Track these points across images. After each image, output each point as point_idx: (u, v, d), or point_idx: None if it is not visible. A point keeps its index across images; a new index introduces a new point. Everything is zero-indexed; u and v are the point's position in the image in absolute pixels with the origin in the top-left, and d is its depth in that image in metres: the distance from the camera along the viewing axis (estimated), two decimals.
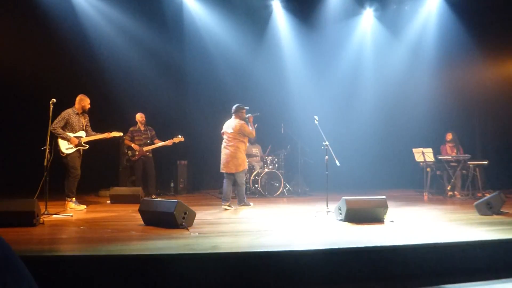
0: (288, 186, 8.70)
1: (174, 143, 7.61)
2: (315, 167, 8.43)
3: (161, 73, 9.33)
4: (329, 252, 3.20)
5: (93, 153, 6.44)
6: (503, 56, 9.86)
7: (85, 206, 6.14)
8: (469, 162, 7.91)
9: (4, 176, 8.03)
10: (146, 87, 9.36)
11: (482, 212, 5.25)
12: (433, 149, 8.11)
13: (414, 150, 8.27)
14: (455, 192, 7.98)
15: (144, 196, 6.73)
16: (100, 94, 7.93)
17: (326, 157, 5.73)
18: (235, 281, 3.00)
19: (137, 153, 7.50)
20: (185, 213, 4.26)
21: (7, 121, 8.29)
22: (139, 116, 7.69)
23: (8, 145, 8.29)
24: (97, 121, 6.66)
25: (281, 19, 10.17)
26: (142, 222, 4.53)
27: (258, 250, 3.21)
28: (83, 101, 6.17)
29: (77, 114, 6.13)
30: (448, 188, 7.97)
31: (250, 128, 6.45)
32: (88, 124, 6.29)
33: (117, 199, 6.84)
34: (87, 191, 7.77)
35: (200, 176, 10.08)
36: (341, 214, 4.78)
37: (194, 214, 4.45)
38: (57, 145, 5.85)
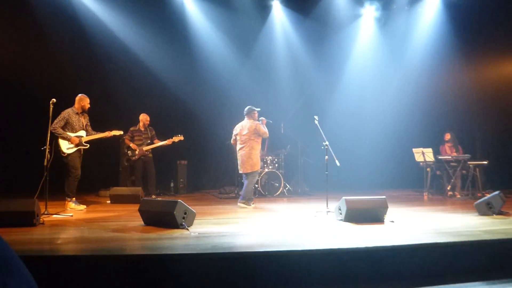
0: (288, 186, 8.70)
1: (174, 142, 7.61)
2: (315, 167, 8.45)
3: (161, 73, 9.32)
4: (329, 252, 3.20)
5: (93, 153, 6.44)
6: (502, 56, 9.86)
7: (85, 206, 6.14)
8: (469, 162, 7.91)
9: (4, 176, 8.03)
10: (146, 87, 9.36)
11: (482, 212, 5.25)
12: (433, 149, 8.11)
13: (414, 150, 8.28)
14: (455, 192, 7.98)
15: (144, 196, 6.73)
16: (100, 94, 7.92)
17: (326, 157, 5.73)
18: (235, 281, 3.00)
19: (136, 153, 7.49)
20: (185, 213, 4.26)
21: (7, 121, 8.29)
22: (143, 117, 7.66)
23: (8, 145, 8.29)
24: (97, 121, 6.66)
25: (281, 19, 10.17)
26: (142, 222, 4.53)
27: (258, 250, 3.21)
28: (82, 101, 6.17)
29: (77, 113, 6.12)
30: (448, 188, 7.97)
31: (264, 129, 6.56)
32: (88, 124, 6.29)
33: (117, 199, 6.84)
34: (87, 191, 7.77)
35: (200, 176, 10.08)
36: (341, 214, 4.78)
37: (194, 214, 4.45)
38: (57, 145, 5.84)
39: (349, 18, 10.18)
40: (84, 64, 8.76)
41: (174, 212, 4.13)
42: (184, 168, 9.14)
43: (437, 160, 8.10)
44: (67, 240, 3.87)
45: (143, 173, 7.56)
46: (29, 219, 4.30)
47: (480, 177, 8.08)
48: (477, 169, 8.00)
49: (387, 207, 4.73)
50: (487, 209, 5.21)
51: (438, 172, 8.35)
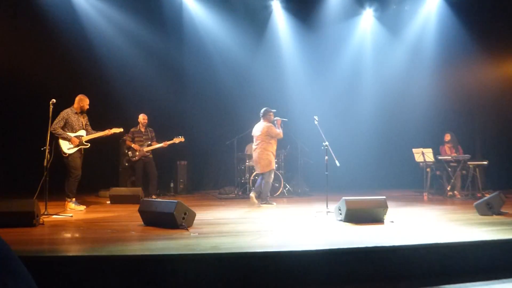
0: (288, 186, 8.70)
1: (174, 143, 7.62)
2: (315, 167, 8.44)
3: (161, 73, 9.33)
4: (329, 252, 3.20)
5: (93, 153, 6.44)
6: (503, 56, 9.86)
7: (85, 207, 6.14)
8: (469, 162, 7.91)
9: (4, 176, 8.03)
10: (146, 87, 9.36)
11: (482, 212, 5.25)
12: (432, 149, 8.11)
13: (414, 150, 8.27)
14: (455, 192, 7.98)
15: (144, 197, 6.73)
16: (100, 94, 7.93)
17: (326, 157, 5.74)
18: (235, 281, 3.00)
19: (137, 153, 7.50)
20: (185, 214, 4.26)
21: (7, 121, 8.29)
22: (142, 117, 7.68)
23: (8, 145, 8.30)
24: (97, 121, 6.65)
25: (280, 19, 10.18)
26: (142, 223, 4.53)
27: (258, 250, 3.21)
28: (82, 101, 6.17)
29: (76, 113, 6.12)
30: (448, 188, 7.97)
31: (278, 130, 6.70)
32: (88, 123, 6.28)
33: (117, 200, 6.83)
34: (87, 191, 7.76)
35: (200, 176, 10.09)
36: (341, 214, 4.78)
37: (194, 215, 4.45)
38: (58, 146, 5.84)
39: (349, 17, 10.18)
40: (84, 64, 8.76)
41: (174, 213, 4.13)
42: (184, 169, 9.14)
43: (437, 160, 8.10)
44: (67, 241, 3.87)
45: (143, 174, 7.57)
46: (29, 220, 4.30)
47: (480, 177, 8.08)
48: (477, 169, 8.00)
49: (387, 208, 4.73)
50: (487, 209, 5.21)
51: (438, 173, 8.34)
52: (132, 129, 7.67)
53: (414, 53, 10.10)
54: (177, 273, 2.97)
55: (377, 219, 4.68)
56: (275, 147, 6.81)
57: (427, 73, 9.96)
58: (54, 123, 5.77)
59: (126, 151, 7.71)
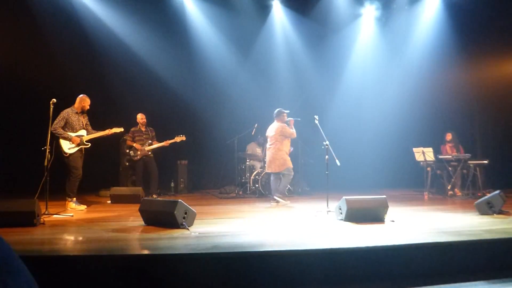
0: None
1: (176, 142, 7.63)
2: (316, 167, 8.44)
3: (161, 73, 9.32)
4: (329, 252, 3.20)
5: (93, 153, 6.44)
6: (503, 56, 9.85)
7: (85, 206, 6.14)
8: (469, 162, 7.90)
9: (4, 176, 8.04)
10: (146, 87, 9.37)
11: (482, 212, 5.25)
12: (433, 149, 8.11)
13: (414, 149, 8.27)
14: (456, 192, 7.98)
15: (144, 196, 6.74)
16: (100, 94, 7.93)
17: (327, 156, 5.74)
18: (235, 281, 3.00)
19: (139, 153, 7.51)
20: (186, 213, 4.26)
21: (8, 121, 8.29)
22: (140, 117, 7.71)
23: (8, 145, 8.30)
24: (97, 121, 6.66)
25: (280, 18, 10.16)
26: (142, 222, 4.53)
27: (258, 250, 3.21)
28: (83, 101, 6.18)
29: (76, 113, 6.12)
30: (449, 188, 7.97)
31: (291, 130, 6.85)
32: (88, 123, 6.29)
33: (117, 199, 6.84)
34: (87, 191, 7.77)
35: (200, 175, 10.09)
36: (341, 213, 4.78)
37: (194, 214, 4.46)
38: (59, 146, 5.84)
39: (349, 17, 10.17)
40: (84, 64, 8.76)
41: (175, 212, 4.13)
42: (185, 168, 9.14)
43: (438, 160, 8.09)
44: (68, 240, 3.88)
45: (143, 173, 7.57)
46: (29, 219, 4.31)
47: (481, 176, 8.07)
48: (478, 169, 8.00)
49: (387, 207, 4.73)
50: (488, 209, 5.21)
51: (438, 172, 8.34)
52: (132, 129, 7.68)
53: (414, 53, 10.08)
54: (177, 273, 2.98)
55: (377, 219, 4.68)
56: (288, 146, 6.96)
57: (427, 72, 9.94)
58: (54, 123, 5.78)
59: (127, 151, 7.72)
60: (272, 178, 6.98)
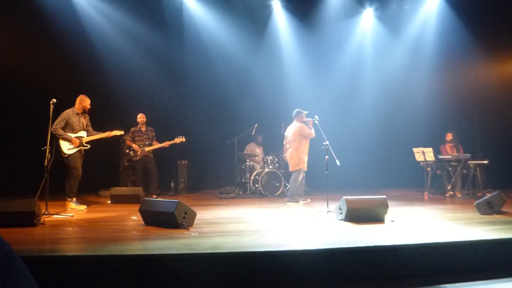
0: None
1: (175, 143, 7.64)
2: (316, 167, 8.44)
3: (162, 73, 9.33)
4: (329, 252, 3.20)
5: (93, 153, 6.45)
6: (503, 56, 9.86)
7: (85, 206, 6.14)
8: (469, 162, 7.91)
9: (5, 177, 8.04)
10: (147, 87, 9.37)
11: (482, 212, 5.25)
12: (433, 149, 8.11)
13: (414, 149, 8.27)
14: (456, 192, 7.98)
15: (144, 196, 6.74)
16: (100, 94, 7.93)
17: (327, 156, 5.74)
18: (235, 281, 3.00)
19: (138, 153, 7.51)
20: (186, 213, 4.26)
21: (8, 121, 8.29)
22: (139, 116, 7.71)
23: (8, 145, 8.30)
24: (97, 121, 6.66)
25: (281, 19, 10.18)
26: (142, 222, 4.53)
27: (258, 250, 3.21)
28: (84, 101, 6.18)
29: (77, 114, 6.13)
30: (449, 188, 7.97)
31: (310, 130, 6.93)
32: (89, 124, 6.30)
33: (117, 199, 6.84)
34: (87, 191, 7.77)
35: (200, 176, 10.09)
36: (341, 213, 4.79)
37: (194, 214, 4.46)
38: (58, 146, 5.85)
39: (349, 17, 10.18)
40: (85, 64, 8.76)
41: (175, 212, 4.13)
42: (185, 168, 9.14)
43: (438, 160, 8.10)
44: (68, 240, 3.88)
45: (143, 173, 7.57)
46: (29, 219, 4.31)
47: (481, 176, 8.08)
48: (478, 169, 8.00)
49: (387, 207, 4.73)
50: (488, 209, 5.21)
51: (438, 172, 8.34)
52: (132, 129, 7.68)
53: (414, 53, 10.09)
54: (177, 273, 2.98)
55: (377, 219, 4.68)
56: (307, 146, 7.04)
57: (427, 72, 9.95)
58: (54, 124, 5.78)
59: (127, 151, 7.72)
60: (292, 178, 7.08)
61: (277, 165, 8.53)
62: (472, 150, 8.85)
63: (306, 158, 6.99)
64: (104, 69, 8.89)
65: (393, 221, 4.68)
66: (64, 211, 5.65)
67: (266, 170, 8.28)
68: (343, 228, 4.36)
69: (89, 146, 6.13)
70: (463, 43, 9.44)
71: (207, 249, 3.27)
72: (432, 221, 4.81)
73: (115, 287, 2.90)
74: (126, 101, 8.93)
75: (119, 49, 8.97)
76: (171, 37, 9.45)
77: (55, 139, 5.81)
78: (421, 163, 8.21)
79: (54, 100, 5.41)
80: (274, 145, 9.11)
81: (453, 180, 7.95)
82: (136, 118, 7.71)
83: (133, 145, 7.53)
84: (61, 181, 6.01)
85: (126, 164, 8.43)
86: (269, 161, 8.50)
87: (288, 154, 7.08)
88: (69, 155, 5.94)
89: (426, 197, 7.94)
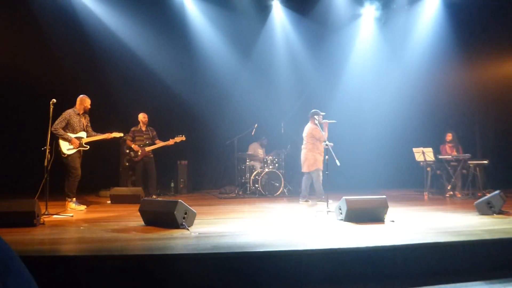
0: (289, 186, 8.70)
1: (176, 143, 7.63)
2: None
3: (162, 73, 9.33)
4: (329, 252, 3.20)
5: (93, 153, 6.44)
6: (503, 56, 9.85)
7: (85, 206, 6.15)
8: (469, 162, 7.91)
9: (5, 176, 8.04)
10: (147, 87, 9.37)
11: (482, 212, 5.25)
12: (433, 149, 8.11)
13: (414, 149, 8.27)
14: (455, 192, 7.98)
15: (144, 196, 6.74)
16: (100, 94, 7.94)
17: (327, 156, 5.75)
18: (235, 281, 3.00)
19: (139, 153, 7.51)
20: (186, 213, 4.26)
21: (8, 121, 8.29)
22: (142, 116, 7.70)
23: (8, 145, 8.30)
24: (97, 121, 6.67)
25: (280, 19, 10.16)
26: (142, 222, 4.53)
27: (258, 250, 3.21)
28: (84, 101, 6.18)
29: (78, 114, 6.13)
30: (449, 188, 7.97)
31: (322, 132, 6.82)
32: (89, 125, 6.30)
33: (117, 199, 6.84)
34: (87, 191, 7.77)
35: (200, 176, 10.10)
36: (341, 213, 4.78)
37: (194, 214, 4.46)
38: (58, 146, 5.85)
39: (349, 17, 10.17)
40: (85, 64, 8.77)
41: (175, 212, 4.13)
42: (185, 168, 9.14)
43: (437, 160, 8.10)
44: (68, 241, 3.88)
45: (143, 173, 7.57)
46: (29, 220, 4.31)
47: (481, 176, 8.08)
48: (478, 169, 8.00)
49: (387, 207, 4.73)
50: (488, 209, 5.21)
51: (438, 172, 8.34)
52: (132, 128, 7.68)
53: (414, 53, 10.08)
54: (178, 273, 2.98)
55: (377, 219, 4.68)
56: (322, 146, 6.90)
57: (427, 72, 9.94)
58: (55, 123, 5.79)
59: (127, 151, 7.72)
60: (304, 177, 7.13)
61: (277, 165, 8.53)
62: (472, 150, 8.85)
63: (321, 158, 6.94)
64: (104, 69, 8.89)
65: (393, 221, 4.68)
66: (64, 211, 5.65)
67: (266, 170, 8.28)
68: (343, 228, 4.36)
69: (88, 147, 6.13)
70: (463, 43, 9.43)
71: (206, 249, 3.27)
72: (432, 222, 4.80)
73: (115, 287, 2.90)
74: (126, 101, 8.93)
75: (119, 49, 8.96)
76: (171, 37, 9.44)
77: (55, 139, 5.81)
78: (421, 163, 8.21)
79: (54, 100, 5.41)
80: (274, 145, 9.11)
81: (453, 180, 7.95)
82: (137, 117, 7.71)
83: (133, 146, 7.53)
84: (61, 181, 6.01)
85: (126, 164, 8.43)
86: (269, 161, 8.50)
87: (302, 155, 7.10)
88: (69, 155, 5.94)
89: (426, 197, 7.94)
